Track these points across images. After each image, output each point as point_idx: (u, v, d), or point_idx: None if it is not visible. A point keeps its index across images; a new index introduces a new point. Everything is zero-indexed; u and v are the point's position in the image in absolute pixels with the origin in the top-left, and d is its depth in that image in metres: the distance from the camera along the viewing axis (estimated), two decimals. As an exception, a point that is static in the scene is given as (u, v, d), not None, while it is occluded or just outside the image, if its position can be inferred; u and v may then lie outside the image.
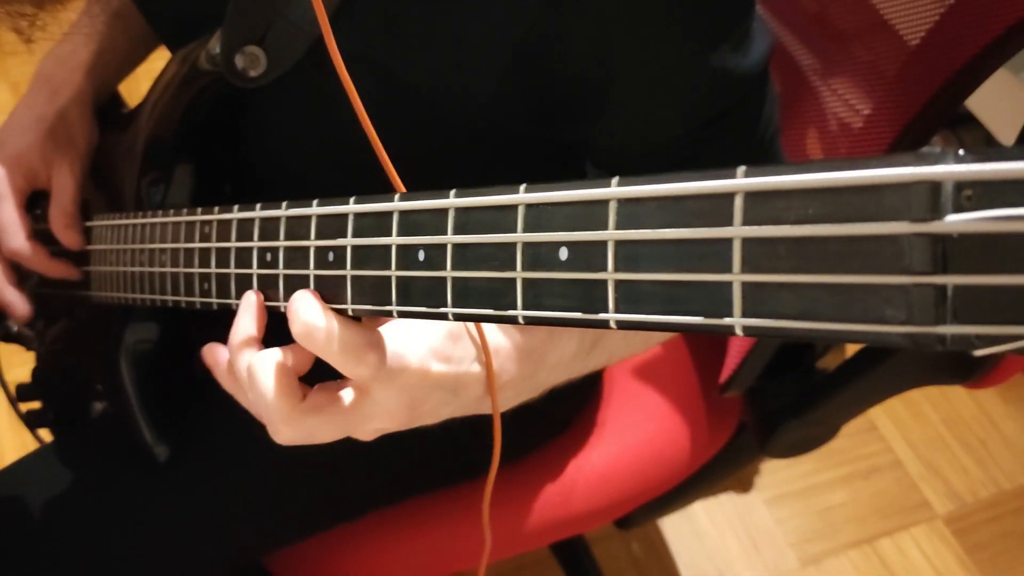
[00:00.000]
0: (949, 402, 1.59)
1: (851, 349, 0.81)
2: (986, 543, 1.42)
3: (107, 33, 0.71)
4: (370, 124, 0.40)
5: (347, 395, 0.44)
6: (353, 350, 0.39)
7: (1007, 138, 1.65)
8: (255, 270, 0.44)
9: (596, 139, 0.55)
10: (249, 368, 0.42)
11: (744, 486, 1.46)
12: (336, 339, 0.39)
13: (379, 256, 0.37)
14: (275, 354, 0.42)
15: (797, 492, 1.46)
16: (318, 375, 0.43)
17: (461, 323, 0.46)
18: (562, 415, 0.85)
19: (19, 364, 0.85)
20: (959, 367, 0.71)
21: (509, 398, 0.50)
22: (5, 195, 0.69)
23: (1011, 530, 1.44)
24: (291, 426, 0.43)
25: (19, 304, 0.71)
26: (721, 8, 0.49)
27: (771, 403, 0.82)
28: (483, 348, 0.46)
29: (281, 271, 0.42)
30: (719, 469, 0.95)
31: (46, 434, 0.83)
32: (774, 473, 1.48)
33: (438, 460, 0.77)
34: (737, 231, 0.25)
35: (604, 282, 0.29)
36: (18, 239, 0.69)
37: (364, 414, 0.44)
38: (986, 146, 0.21)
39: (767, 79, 0.54)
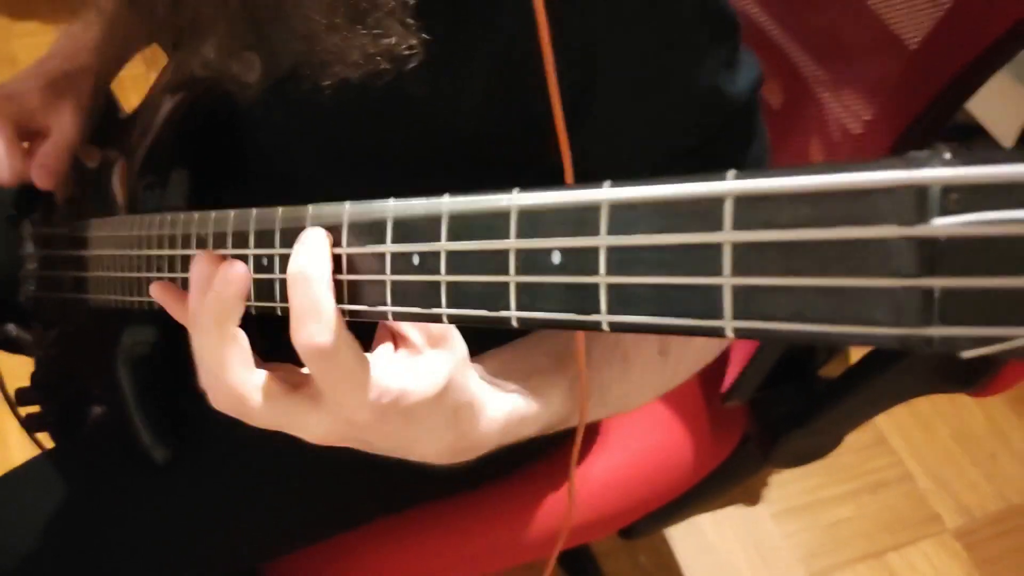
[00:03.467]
0: (958, 416, 1.58)
1: (854, 357, 0.81)
2: (996, 558, 1.41)
3: (119, 14, 0.72)
4: (562, 119, 0.40)
5: (301, 395, 0.42)
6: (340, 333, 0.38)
7: (1016, 150, 1.64)
8: (251, 275, 0.44)
9: (576, 145, 0.55)
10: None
11: (751, 500, 1.45)
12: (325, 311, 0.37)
13: (374, 260, 0.37)
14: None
15: (805, 506, 1.45)
16: None
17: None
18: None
19: (23, 380, 0.86)
20: (963, 374, 0.71)
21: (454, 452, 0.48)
22: None
23: (1021, 545, 1.43)
24: (227, 393, 0.41)
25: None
26: (709, 25, 0.50)
27: (774, 412, 0.82)
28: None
29: (277, 276, 0.42)
30: (724, 480, 0.95)
31: (45, 438, 0.84)
32: (782, 487, 1.47)
33: (440, 470, 0.76)
34: (727, 236, 0.26)
35: (596, 286, 0.29)
36: None
37: (309, 418, 0.41)
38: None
39: (756, 114, 0.54)
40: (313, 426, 0.41)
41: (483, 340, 0.42)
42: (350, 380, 0.38)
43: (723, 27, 0.51)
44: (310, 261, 0.38)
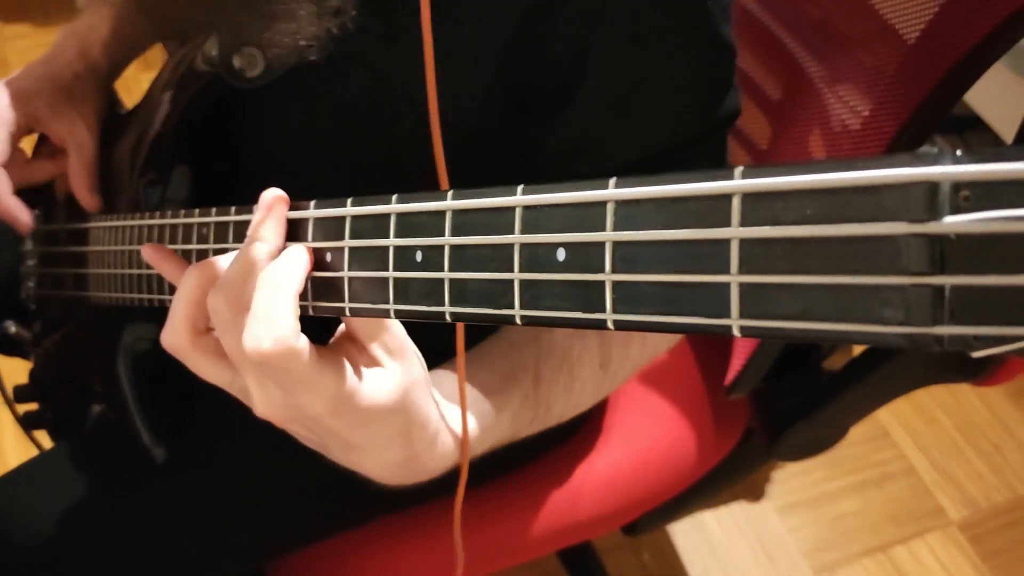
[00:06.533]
0: (962, 408, 1.58)
1: (857, 348, 0.81)
2: (1002, 549, 1.41)
3: (125, 11, 0.72)
4: (437, 120, 0.40)
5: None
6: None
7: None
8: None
9: (550, 135, 0.55)
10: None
11: (755, 495, 1.45)
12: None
13: (377, 257, 0.37)
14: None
15: (809, 500, 1.45)
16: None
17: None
18: (568, 421, 0.85)
19: (20, 377, 0.85)
20: (966, 365, 0.71)
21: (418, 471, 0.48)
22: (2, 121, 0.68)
23: (1026, 536, 1.43)
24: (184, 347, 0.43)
25: (21, 211, 0.70)
26: (706, 44, 0.50)
27: (777, 405, 0.82)
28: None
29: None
30: (728, 474, 0.95)
31: (43, 436, 0.84)
32: (785, 482, 1.47)
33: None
34: (735, 232, 0.25)
35: (602, 283, 0.29)
36: None
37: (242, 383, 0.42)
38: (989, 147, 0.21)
39: (724, 144, 0.55)
40: (258, 399, 0.41)
41: (426, 357, 0.43)
42: (308, 377, 0.38)
43: (718, 47, 0.51)
44: (285, 272, 0.38)
